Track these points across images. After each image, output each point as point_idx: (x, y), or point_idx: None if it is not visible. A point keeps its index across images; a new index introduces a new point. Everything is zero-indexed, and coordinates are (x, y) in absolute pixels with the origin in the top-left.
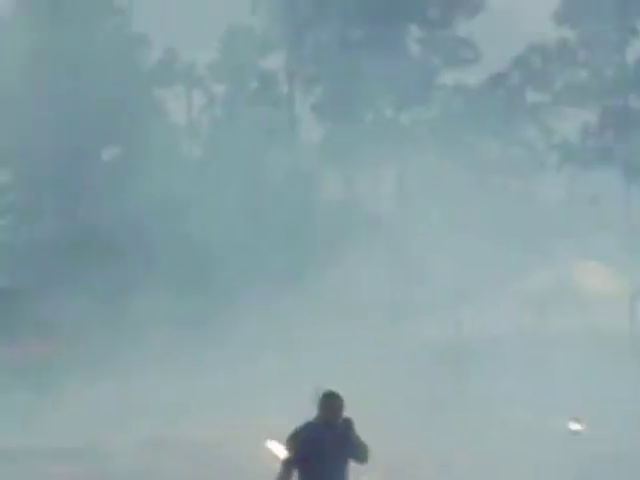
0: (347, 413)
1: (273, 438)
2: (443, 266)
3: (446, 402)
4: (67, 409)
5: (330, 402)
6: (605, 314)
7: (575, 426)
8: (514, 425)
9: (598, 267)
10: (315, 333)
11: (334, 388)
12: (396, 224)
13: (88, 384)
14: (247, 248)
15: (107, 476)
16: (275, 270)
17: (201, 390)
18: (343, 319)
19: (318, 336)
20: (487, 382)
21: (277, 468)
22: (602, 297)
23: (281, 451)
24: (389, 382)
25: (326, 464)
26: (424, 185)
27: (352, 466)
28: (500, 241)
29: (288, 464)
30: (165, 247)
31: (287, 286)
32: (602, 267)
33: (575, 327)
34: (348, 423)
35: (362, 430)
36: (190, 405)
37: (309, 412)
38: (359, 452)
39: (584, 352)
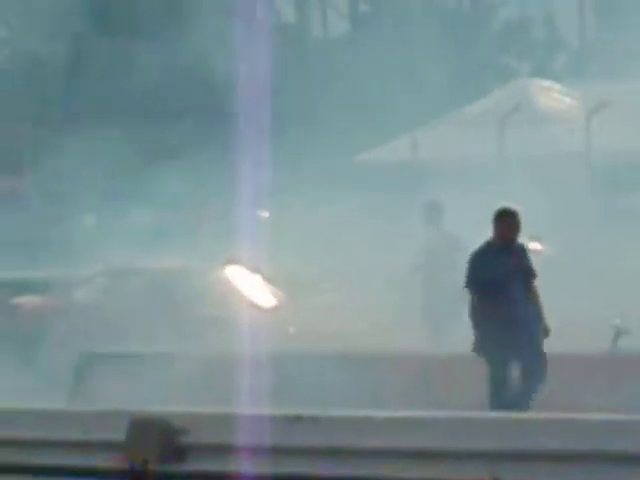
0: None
1: (235, 263)
2: (399, 91)
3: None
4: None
5: (506, 220)
6: (562, 133)
7: (535, 245)
8: None
9: (553, 86)
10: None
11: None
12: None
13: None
14: None
15: (71, 306)
16: None
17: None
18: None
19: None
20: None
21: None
22: (558, 116)
23: (242, 276)
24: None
25: (510, 293)
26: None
27: None
28: (457, 63)
29: (473, 291)
30: None
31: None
32: (557, 86)
33: (533, 146)
34: (524, 249)
35: None
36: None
37: None
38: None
39: (541, 171)
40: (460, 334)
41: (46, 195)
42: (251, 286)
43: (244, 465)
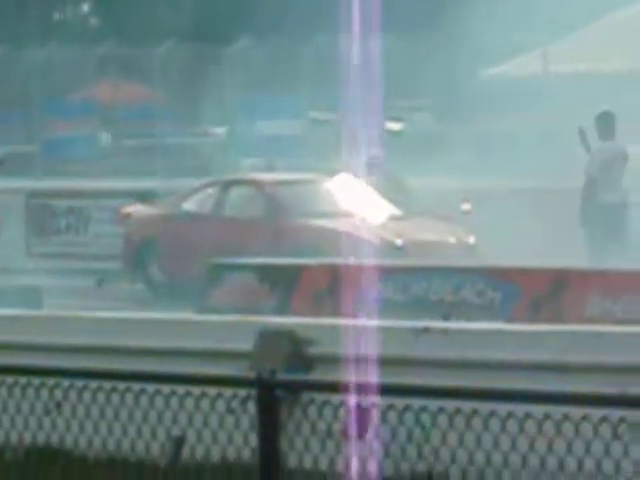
0: None
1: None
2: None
3: None
4: None
5: None
6: None
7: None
8: None
9: None
10: None
11: None
12: None
13: None
14: None
15: (179, 216)
16: None
17: None
18: None
19: None
20: None
21: None
22: None
23: (354, 187)
24: None
25: None
26: None
27: None
28: None
29: None
30: None
31: None
32: None
33: None
34: None
35: None
36: None
37: None
38: None
39: None
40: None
41: (173, 105)
42: (363, 197)
43: (370, 376)
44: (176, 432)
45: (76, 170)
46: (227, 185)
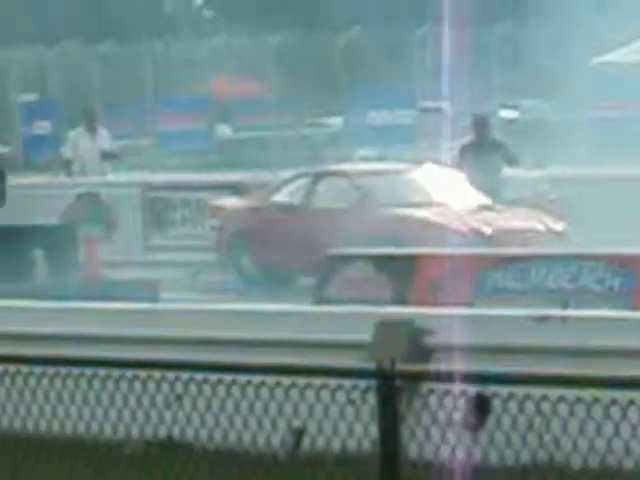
0: None
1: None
2: None
3: None
4: None
5: None
6: None
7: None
8: None
9: None
10: None
11: None
12: None
13: None
14: None
15: (269, 207)
16: None
17: None
18: None
19: None
20: None
21: None
22: None
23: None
24: None
25: None
26: None
27: None
28: None
29: None
30: None
31: None
32: None
33: None
34: None
35: None
36: None
37: None
38: None
39: None
40: None
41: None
42: (452, 186)
43: (488, 365)
44: (296, 424)
45: (192, 163)
46: (317, 176)
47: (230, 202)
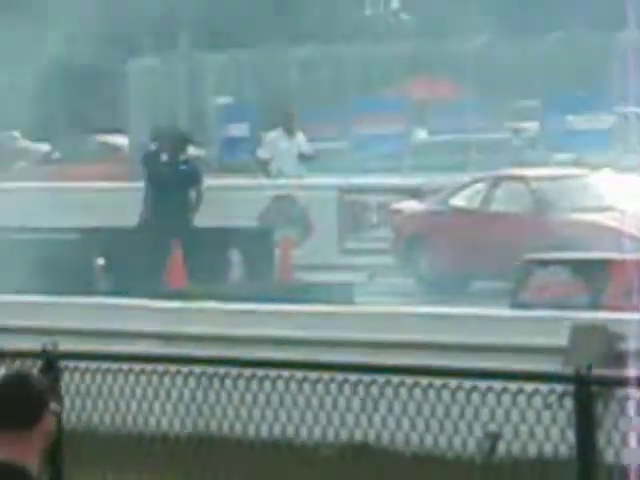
0: None
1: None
2: None
3: None
4: None
5: None
6: None
7: None
8: None
9: None
10: None
11: None
12: None
13: None
14: None
15: (448, 211)
16: None
17: None
18: None
19: None
20: None
21: None
22: None
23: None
24: None
25: None
26: None
27: None
28: None
29: None
30: None
31: None
32: None
33: None
34: None
35: None
36: None
37: None
38: None
39: None
40: None
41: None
42: (628, 191)
43: None
44: (492, 428)
45: (387, 166)
46: (495, 181)
47: (408, 205)
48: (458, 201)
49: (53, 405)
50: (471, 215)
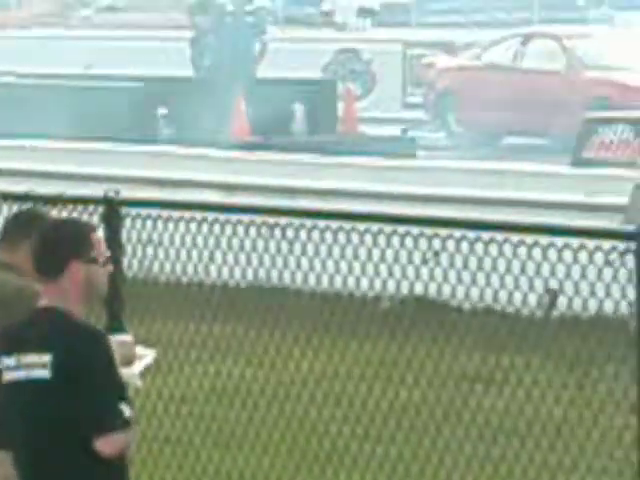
0: None
1: None
2: None
3: None
4: None
5: None
6: None
7: None
8: None
9: None
10: None
11: None
12: None
13: None
14: None
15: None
16: None
17: None
18: None
19: None
20: None
21: None
22: None
23: None
24: None
25: None
26: None
27: None
28: None
29: None
30: None
31: None
32: None
33: None
34: None
35: None
36: None
37: None
38: None
39: None
40: None
41: None
42: None
43: None
44: (552, 284)
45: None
46: (527, 38)
47: (441, 60)
48: (490, 57)
49: (95, 252)
50: (502, 71)
